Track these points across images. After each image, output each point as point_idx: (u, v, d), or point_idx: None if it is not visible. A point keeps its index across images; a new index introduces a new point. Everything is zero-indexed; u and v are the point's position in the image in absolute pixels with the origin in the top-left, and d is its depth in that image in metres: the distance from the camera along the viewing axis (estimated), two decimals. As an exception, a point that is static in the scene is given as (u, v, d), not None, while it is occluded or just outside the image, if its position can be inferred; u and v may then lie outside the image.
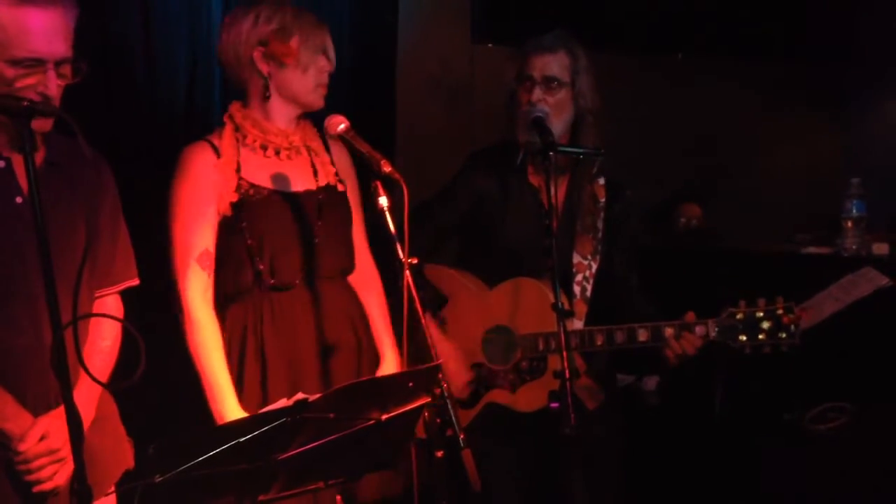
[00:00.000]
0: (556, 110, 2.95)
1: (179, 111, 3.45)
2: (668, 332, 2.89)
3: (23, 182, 2.24)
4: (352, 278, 2.84)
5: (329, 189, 2.76)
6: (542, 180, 2.84)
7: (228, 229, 2.63)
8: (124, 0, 3.33)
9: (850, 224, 4.11)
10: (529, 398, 2.99)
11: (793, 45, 5.31)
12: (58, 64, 2.18)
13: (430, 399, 2.19)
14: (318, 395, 1.97)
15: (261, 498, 2.03)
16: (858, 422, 3.69)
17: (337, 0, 3.92)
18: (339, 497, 2.68)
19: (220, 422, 2.52)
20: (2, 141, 2.25)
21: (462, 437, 2.22)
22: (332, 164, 2.80)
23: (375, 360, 2.82)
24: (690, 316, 2.89)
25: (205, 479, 1.84)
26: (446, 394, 2.23)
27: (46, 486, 2.27)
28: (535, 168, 3.06)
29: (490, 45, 4.73)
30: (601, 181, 3.10)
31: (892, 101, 5.55)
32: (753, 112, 5.35)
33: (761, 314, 2.85)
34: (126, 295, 2.53)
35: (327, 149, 2.81)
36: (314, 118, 2.76)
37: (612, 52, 4.43)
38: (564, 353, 2.53)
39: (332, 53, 2.72)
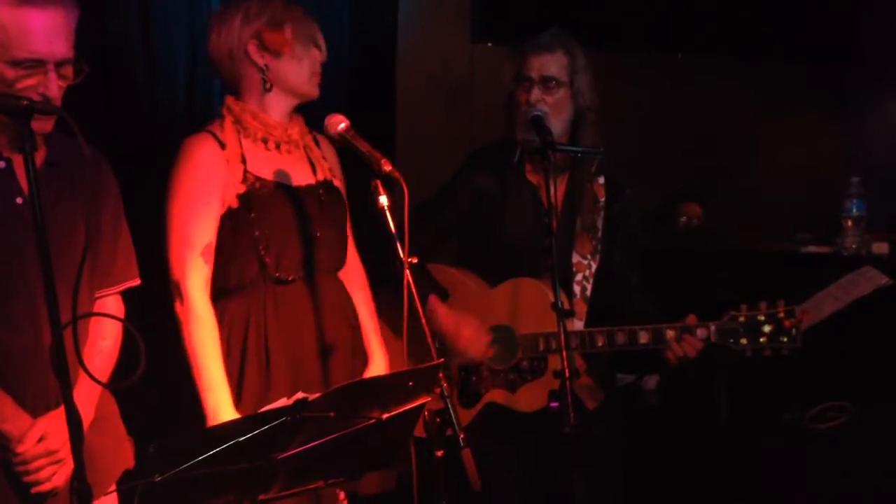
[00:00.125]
0: (555, 110, 2.95)
1: (179, 111, 3.45)
2: (670, 334, 2.89)
3: (23, 183, 2.22)
4: (341, 274, 2.83)
5: (327, 184, 2.77)
6: (542, 179, 2.84)
7: (233, 221, 2.61)
8: (124, 0, 3.33)
9: (850, 223, 4.12)
10: (529, 398, 2.99)
11: (793, 45, 5.30)
12: (59, 65, 2.17)
13: (430, 398, 2.19)
14: (317, 395, 1.97)
15: (261, 497, 2.02)
16: (858, 421, 3.69)
17: (337, 0, 3.92)
18: (342, 493, 2.69)
19: (211, 418, 2.51)
20: (2, 141, 2.25)
21: (462, 436, 2.22)
22: (325, 158, 2.81)
23: (366, 357, 2.82)
24: (692, 318, 2.90)
25: (205, 478, 1.84)
26: (446, 394, 2.24)
27: (45, 487, 2.27)
28: (535, 167, 3.06)
29: (490, 44, 4.72)
30: (601, 180, 3.10)
31: (892, 101, 5.55)
32: (753, 112, 5.34)
33: (763, 317, 2.85)
34: (126, 295, 2.52)
35: (317, 144, 2.81)
36: (315, 118, 2.76)
37: (612, 51, 4.44)
38: (564, 353, 2.53)
39: (322, 45, 2.71)
